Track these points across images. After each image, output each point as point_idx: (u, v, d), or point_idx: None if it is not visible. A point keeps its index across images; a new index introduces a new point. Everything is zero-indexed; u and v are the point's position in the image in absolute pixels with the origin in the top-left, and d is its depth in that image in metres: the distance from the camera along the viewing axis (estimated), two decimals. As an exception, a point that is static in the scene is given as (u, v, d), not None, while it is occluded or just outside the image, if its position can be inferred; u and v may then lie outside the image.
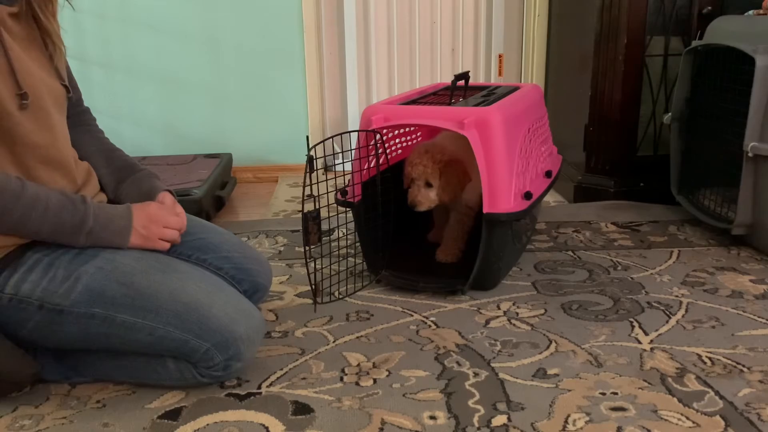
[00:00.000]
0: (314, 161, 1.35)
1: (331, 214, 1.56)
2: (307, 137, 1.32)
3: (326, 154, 1.66)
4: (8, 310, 1.04)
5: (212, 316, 1.08)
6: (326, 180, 1.57)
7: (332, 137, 1.52)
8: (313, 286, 1.44)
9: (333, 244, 1.81)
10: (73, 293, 1.04)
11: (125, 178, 1.26)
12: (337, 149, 2.50)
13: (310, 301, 1.49)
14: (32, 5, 1.09)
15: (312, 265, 1.46)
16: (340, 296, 1.53)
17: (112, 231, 1.09)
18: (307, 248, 1.41)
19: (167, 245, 1.17)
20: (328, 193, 1.53)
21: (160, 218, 1.15)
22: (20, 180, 1.02)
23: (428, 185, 1.53)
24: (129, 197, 1.23)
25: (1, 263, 1.04)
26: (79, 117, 1.30)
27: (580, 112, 2.31)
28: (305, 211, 1.37)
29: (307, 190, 1.35)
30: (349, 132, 1.49)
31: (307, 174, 1.35)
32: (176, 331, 1.06)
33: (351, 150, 1.54)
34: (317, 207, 1.39)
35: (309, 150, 1.32)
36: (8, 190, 0.99)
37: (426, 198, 1.54)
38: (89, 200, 1.07)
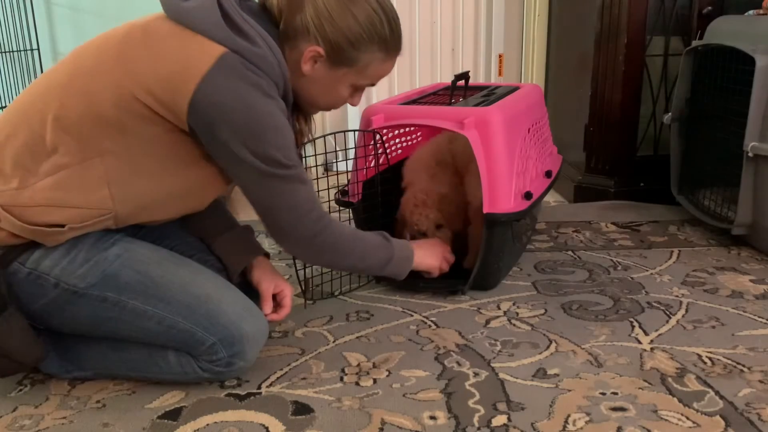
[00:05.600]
0: (303, 159, 1.36)
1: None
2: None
3: (321, 153, 1.66)
4: (25, 284, 1.06)
5: (222, 312, 1.09)
6: (318, 178, 1.57)
7: (323, 136, 1.53)
8: (302, 283, 1.45)
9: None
10: (90, 276, 1.06)
11: (222, 230, 1.30)
12: (337, 149, 2.50)
13: (311, 301, 1.50)
14: (301, 124, 1.26)
15: (301, 262, 1.47)
16: (335, 293, 1.53)
17: (403, 259, 1.33)
18: None
19: (446, 267, 1.46)
20: (319, 191, 1.53)
21: (439, 246, 1.47)
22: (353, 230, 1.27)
23: (438, 227, 1.55)
24: (223, 251, 1.28)
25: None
26: None
27: (580, 112, 2.31)
28: None
29: None
30: (344, 132, 1.49)
31: None
32: (185, 322, 1.08)
33: (346, 149, 1.54)
34: None
35: (297, 148, 1.34)
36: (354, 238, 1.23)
37: (445, 238, 1.56)
38: (391, 238, 1.31)
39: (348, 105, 1.29)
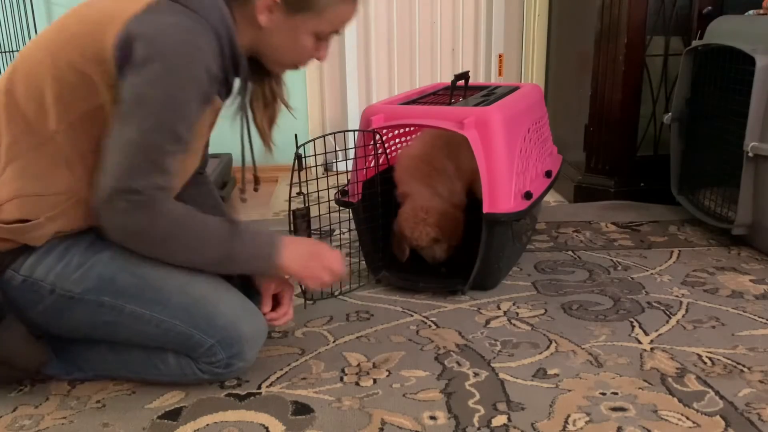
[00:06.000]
0: (303, 159, 1.37)
1: (324, 213, 1.56)
2: (296, 135, 1.32)
3: (321, 153, 1.67)
4: (21, 291, 1.05)
5: (219, 313, 1.09)
6: (318, 179, 1.57)
7: (322, 137, 1.54)
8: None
9: (333, 244, 1.81)
10: (86, 281, 1.05)
11: None
12: (337, 149, 2.50)
13: (311, 301, 1.50)
14: (272, 88, 1.21)
15: None
16: (335, 293, 1.53)
17: (252, 259, 1.11)
18: None
19: (328, 280, 1.16)
20: (319, 191, 1.53)
21: (322, 254, 1.17)
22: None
23: (435, 241, 1.57)
24: None
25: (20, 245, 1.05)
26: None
27: (580, 112, 2.31)
28: (294, 208, 1.39)
29: (297, 189, 1.38)
30: (344, 132, 1.49)
31: (296, 172, 1.37)
32: (183, 325, 1.08)
33: (346, 149, 1.54)
34: (307, 205, 1.40)
35: (297, 148, 1.34)
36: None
37: (442, 252, 1.59)
38: (245, 231, 1.10)
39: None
